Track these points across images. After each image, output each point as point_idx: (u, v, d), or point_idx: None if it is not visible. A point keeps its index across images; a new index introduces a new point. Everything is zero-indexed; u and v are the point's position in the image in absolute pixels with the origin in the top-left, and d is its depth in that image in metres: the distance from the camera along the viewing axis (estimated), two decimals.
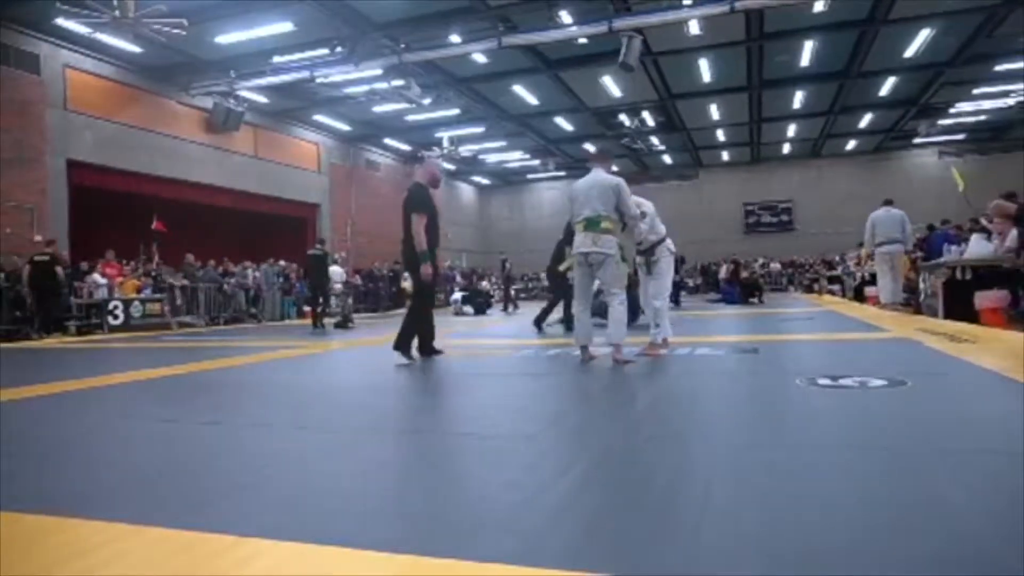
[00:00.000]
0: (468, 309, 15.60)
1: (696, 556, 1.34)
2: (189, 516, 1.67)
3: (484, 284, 22.74)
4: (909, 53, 16.10)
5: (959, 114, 22.17)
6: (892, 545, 1.35)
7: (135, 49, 13.68)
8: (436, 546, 1.42)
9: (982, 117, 22.63)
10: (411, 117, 19.89)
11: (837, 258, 22.77)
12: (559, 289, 8.68)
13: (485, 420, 3.01)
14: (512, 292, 17.76)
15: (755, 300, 14.92)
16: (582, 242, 4.73)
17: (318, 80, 14.84)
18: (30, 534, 1.62)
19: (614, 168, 5.35)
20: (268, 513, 1.71)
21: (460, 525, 1.58)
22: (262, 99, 17.49)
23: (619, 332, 4.66)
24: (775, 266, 27.31)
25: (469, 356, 5.79)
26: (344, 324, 11.50)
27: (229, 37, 13.55)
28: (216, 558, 1.41)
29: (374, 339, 8.67)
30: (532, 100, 19.07)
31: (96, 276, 12.67)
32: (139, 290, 13.03)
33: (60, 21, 12.18)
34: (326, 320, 11.68)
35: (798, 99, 19.96)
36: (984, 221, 9.22)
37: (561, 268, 7.84)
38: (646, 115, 21.33)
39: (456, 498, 1.84)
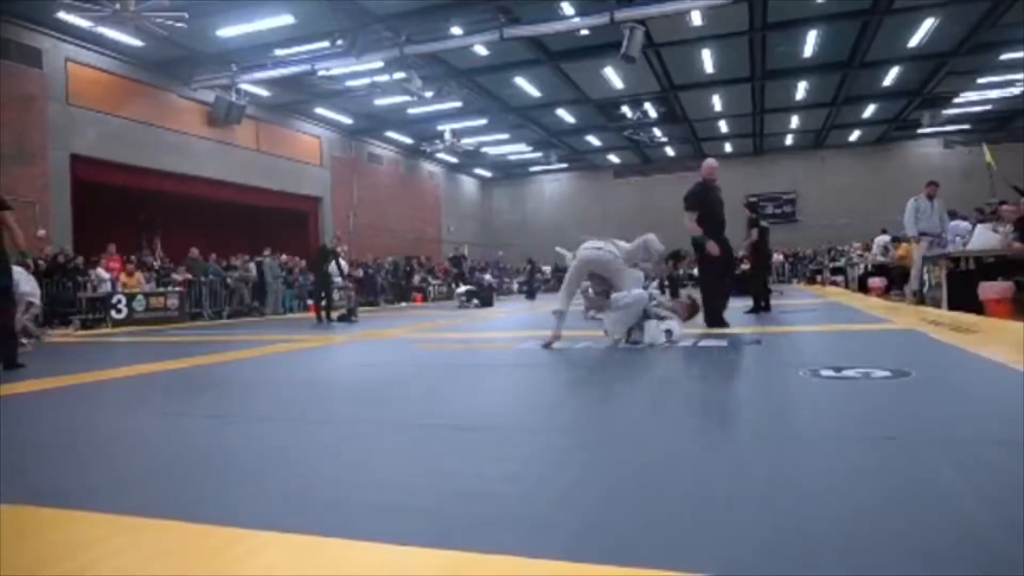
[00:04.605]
0: (474, 302, 15.62)
1: (696, 547, 1.34)
2: (194, 509, 1.68)
3: (487, 277, 22.66)
4: (913, 43, 15.99)
5: (963, 104, 22.03)
6: (895, 536, 1.35)
7: (136, 43, 13.66)
8: (440, 538, 1.42)
9: (987, 107, 22.49)
10: (413, 110, 19.85)
11: (840, 247, 22.74)
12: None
13: (489, 412, 3.01)
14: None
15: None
16: None
17: (319, 73, 14.82)
18: (31, 527, 1.62)
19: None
20: (274, 506, 1.72)
21: (465, 517, 1.58)
22: (263, 92, 17.47)
23: None
24: (778, 257, 27.20)
25: (483, 349, 5.79)
26: (348, 317, 11.51)
27: (230, 30, 13.53)
28: (221, 551, 1.41)
29: (378, 332, 8.68)
30: (534, 92, 19.00)
31: (100, 271, 12.71)
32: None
33: (62, 15, 12.18)
34: (332, 313, 11.68)
35: (801, 90, 19.86)
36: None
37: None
38: (648, 106, 21.25)
39: (461, 490, 1.85)
